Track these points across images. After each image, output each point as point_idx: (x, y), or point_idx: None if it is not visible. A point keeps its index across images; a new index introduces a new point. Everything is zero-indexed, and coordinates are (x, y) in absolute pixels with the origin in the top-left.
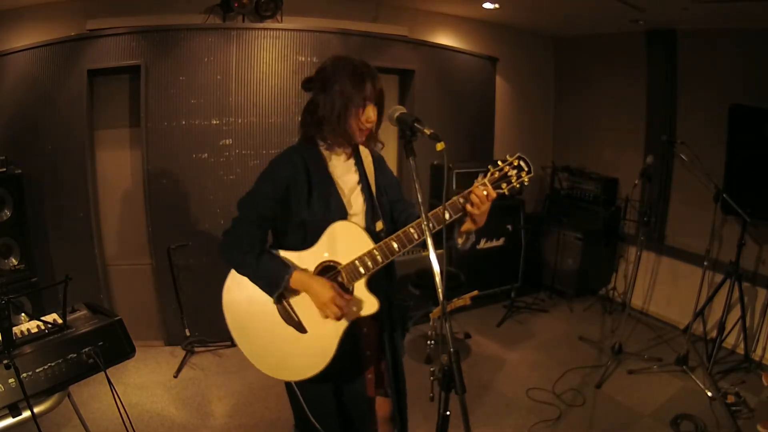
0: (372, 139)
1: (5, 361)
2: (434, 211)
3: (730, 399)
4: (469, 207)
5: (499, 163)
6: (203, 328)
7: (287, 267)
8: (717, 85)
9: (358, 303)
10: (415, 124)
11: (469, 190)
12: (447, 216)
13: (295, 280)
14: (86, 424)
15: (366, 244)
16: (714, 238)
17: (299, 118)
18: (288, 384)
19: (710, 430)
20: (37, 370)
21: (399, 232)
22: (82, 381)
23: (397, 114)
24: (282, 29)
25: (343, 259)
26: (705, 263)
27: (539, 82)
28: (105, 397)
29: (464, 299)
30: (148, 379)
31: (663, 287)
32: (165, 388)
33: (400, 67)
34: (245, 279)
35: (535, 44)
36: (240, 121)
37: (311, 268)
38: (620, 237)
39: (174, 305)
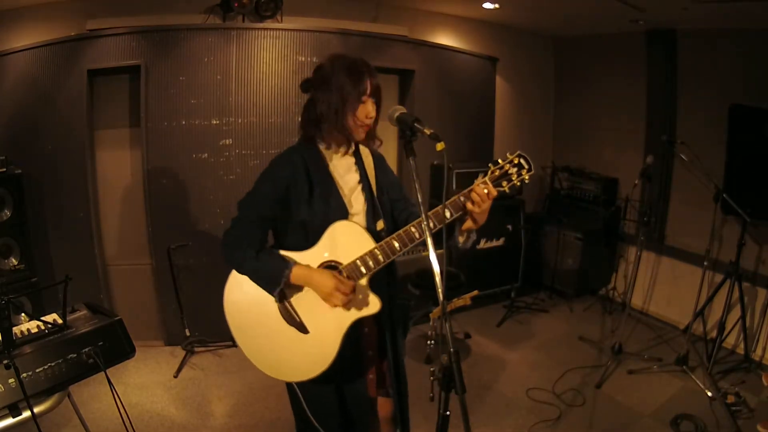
0: (371, 136)
1: (5, 361)
2: (435, 209)
3: (730, 399)
4: (470, 205)
5: (500, 161)
6: (203, 328)
7: (287, 262)
8: (717, 85)
9: (360, 301)
10: (415, 124)
11: (470, 188)
12: (448, 214)
13: (296, 275)
14: (86, 424)
15: (367, 243)
16: (714, 238)
17: (299, 118)
18: (289, 385)
19: (710, 430)
20: (37, 370)
21: (400, 231)
22: (82, 381)
23: (397, 114)
24: (282, 29)
25: (345, 259)
26: (705, 263)
27: (539, 82)
28: (105, 397)
29: (464, 299)
30: (148, 379)
31: (663, 287)
32: (165, 388)
33: (400, 67)
34: (246, 279)
35: (535, 44)
36: (240, 121)
37: None
38: (620, 237)
39: (174, 305)
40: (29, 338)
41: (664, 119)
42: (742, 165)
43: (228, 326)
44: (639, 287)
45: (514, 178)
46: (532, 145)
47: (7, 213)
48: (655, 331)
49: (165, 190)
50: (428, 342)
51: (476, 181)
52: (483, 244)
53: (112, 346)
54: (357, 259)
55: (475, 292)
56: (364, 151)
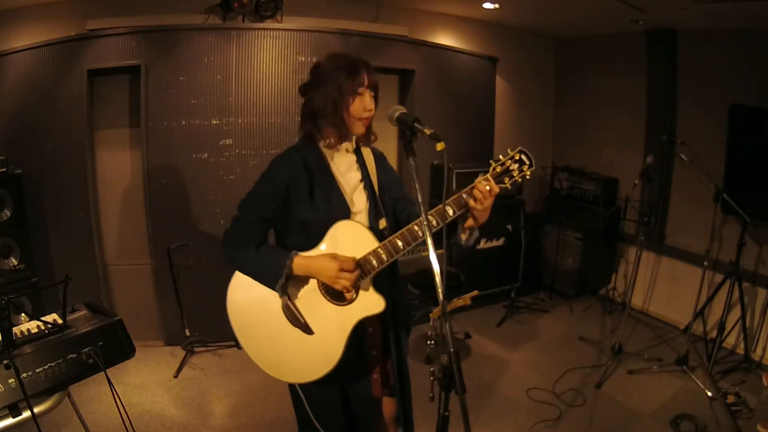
0: (368, 131)
1: (5, 361)
2: (437, 207)
3: (730, 399)
4: (472, 202)
5: (501, 157)
6: (203, 328)
7: (287, 254)
8: (717, 85)
9: (364, 301)
10: (415, 124)
11: (472, 185)
12: (450, 212)
13: (297, 264)
14: (86, 424)
15: (370, 242)
16: (714, 238)
17: (299, 118)
18: (291, 386)
19: (710, 430)
20: (37, 370)
21: (403, 230)
22: (82, 381)
23: (397, 114)
24: (282, 29)
25: None
26: (705, 263)
27: (539, 82)
28: (105, 397)
29: (464, 299)
30: (148, 379)
31: (663, 287)
32: (165, 388)
33: (400, 67)
34: (249, 280)
35: (535, 44)
36: (240, 121)
37: None
38: (620, 237)
39: (174, 305)
40: (29, 338)
41: (664, 119)
42: (742, 165)
43: (231, 327)
44: (639, 287)
45: (515, 174)
46: (532, 145)
47: (7, 213)
48: (655, 331)
49: (165, 190)
50: (428, 342)
51: (478, 178)
52: (483, 244)
53: (112, 346)
54: (360, 258)
55: (475, 292)
56: (366, 150)
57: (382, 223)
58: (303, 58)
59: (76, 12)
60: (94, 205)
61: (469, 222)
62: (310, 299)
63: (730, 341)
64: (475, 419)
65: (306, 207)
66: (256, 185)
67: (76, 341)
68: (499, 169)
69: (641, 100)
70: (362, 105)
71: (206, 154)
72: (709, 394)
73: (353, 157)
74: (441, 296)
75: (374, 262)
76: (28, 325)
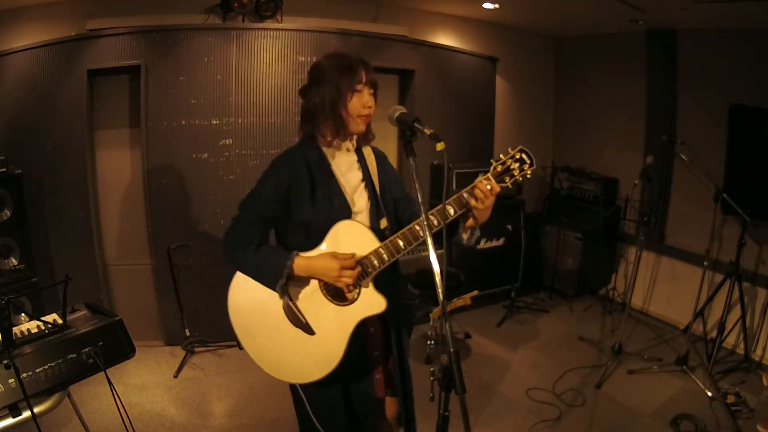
0: (367, 130)
1: (5, 361)
2: (438, 207)
3: (730, 399)
4: (473, 202)
5: (502, 156)
6: (203, 328)
7: (288, 254)
8: (717, 85)
9: (366, 301)
10: (415, 124)
11: (473, 184)
12: (451, 212)
13: (298, 265)
14: (86, 424)
15: (371, 242)
16: (714, 238)
17: (299, 119)
18: (293, 386)
19: (710, 430)
20: (37, 370)
21: (404, 230)
22: (82, 381)
23: (397, 114)
24: (282, 29)
25: None
26: (705, 263)
27: (539, 82)
28: (105, 397)
29: (464, 299)
30: (148, 379)
31: (663, 287)
32: (165, 388)
33: (400, 67)
34: (250, 281)
35: (535, 44)
36: (240, 121)
37: None
38: (620, 237)
39: (174, 305)
40: (29, 338)
41: (664, 119)
42: (742, 165)
43: (232, 327)
44: (639, 287)
45: (516, 174)
46: (532, 145)
47: (7, 213)
48: (655, 331)
49: (165, 190)
50: (428, 342)
51: (479, 177)
52: (483, 244)
53: (112, 346)
54: (362, 258)
55: (475, 292)
56: (367, 150)
57: (383, 223)
58: (303, 58)
59: (76, 12)
60: (94, 205)
61: (470, 222)
62: (311, 299)
63: (730, 341)
64: (475, 419)
65: (307, 207)
66: (257, 185)
67: (76, 341)
68: (500, 168)
69: (641, 100)
70: (361, 102)
71: (206, 154)
72: (709, 394)
73: (354, 157)
74: (441, 296)
75: (375, 262)
76: (28, 325)
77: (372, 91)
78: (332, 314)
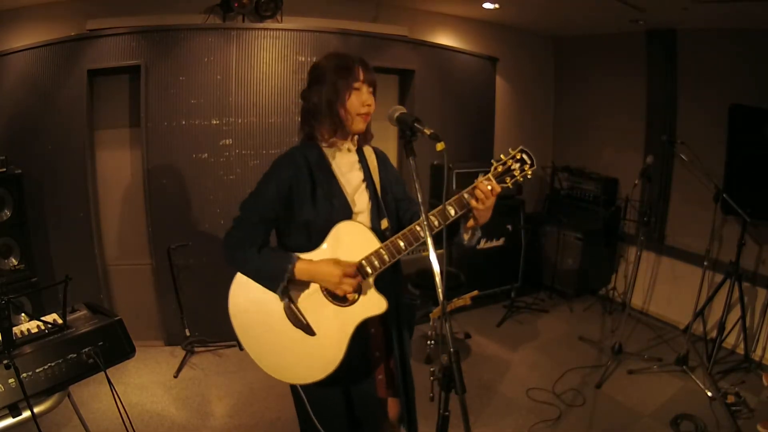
0: (366, 130)
1: (5, 361)
2: (439, 207)
3: (730, 399)
4: (474, 202)
5: (502, 156)
6: (203, 328)
7: (290, 257)
8: (717, 85)
9: (367, 302)
10: (415, 124)
11: (474, 185)
12: (452, 212)
13: (299, 269)
14: (86, 424)
15: (372, 243)
16: (714, 238)
17: (299, 119)
18: (293, 387)
19: (710, 430)
20: (37, 370)
21: (405, 230)
22: (82, 381)
23: (397, 114)
24: (282, 29)
25: (350, 259)
26: (705, 263)
27: (539, 82)
28: (105, 397)
29: (464, 299)
30: (148, 379)
31: (663, 287)
32: (165, 388)
33: (400, 67)
34: (251, 282)
35: (535, 44)
36: (240, 121)
37: None
38: (620, 237)
39: (174, 305)
40: (29, 338)
41: (664, 119)
42: (742, 165)
43: (232, 328)
44: (639, 287)
45: (517, 174)
46: (532, 145)
47: (7, 213)
48: (655, 331)
49: (165, 190)
50: (428, 342)
51: (479, 178)
52: (483, 244)
53: (112, 346)
54: (362, 259)
55: (475, 292)
56: (368, 150)
57: (384, 224)
58: (303, 58)
59: (76, 12)
60: (94, 205)
61: (471, 222)
62: (311, 300)
63: (730, 341)
64: (475, 419)
65: (308, 207)
66: (258, 185)
67: (76, 341)
68: (500, 169)
69: (641, 100)
70: (359, 100)
71: (206, 154)
72: (709, 394)
73: (355, 157)
74: (441, 296)
75: (376, 262)
76: (28, 325)
77: (371, 89)
78: (333, 315)
